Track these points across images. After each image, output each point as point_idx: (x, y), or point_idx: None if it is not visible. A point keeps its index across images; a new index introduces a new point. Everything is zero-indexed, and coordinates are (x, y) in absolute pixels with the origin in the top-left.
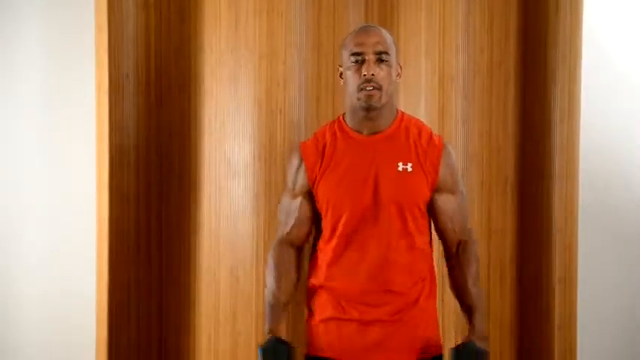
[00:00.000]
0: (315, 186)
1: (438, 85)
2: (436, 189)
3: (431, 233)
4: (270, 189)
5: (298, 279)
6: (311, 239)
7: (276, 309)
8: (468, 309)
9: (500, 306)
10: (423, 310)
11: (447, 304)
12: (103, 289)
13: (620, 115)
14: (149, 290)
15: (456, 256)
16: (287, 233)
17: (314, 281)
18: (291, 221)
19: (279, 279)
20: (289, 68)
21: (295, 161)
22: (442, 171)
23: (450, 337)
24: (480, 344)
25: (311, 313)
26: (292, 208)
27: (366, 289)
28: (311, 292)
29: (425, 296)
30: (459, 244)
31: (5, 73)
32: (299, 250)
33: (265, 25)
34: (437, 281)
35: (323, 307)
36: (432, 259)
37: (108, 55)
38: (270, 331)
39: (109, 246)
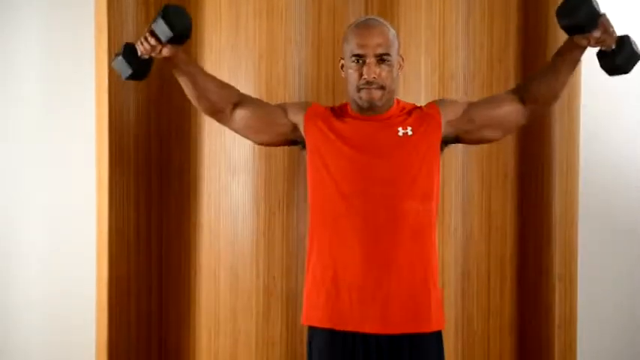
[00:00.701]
0: (307, 131)
1: (438, 82)
2: (455, 123)
3: (438, 200)
4: (270, 186)
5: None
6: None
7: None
8: (554, 57)
9: (500, 304)
10: (425, 282)
11: (446, 299)
12: (103, 289)
13: (621, 112)
14: (149, 289)
15: (525, 91)
16: (247, 96)
17: (312, 248)
18: (259, 100)
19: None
20: (289, 66)
21: (303, 103)
22: (444, 111)
23: (450, 331)
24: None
25: (311, 280)
26: (271, 104)
27: (367, 257)
28: (309, 259)
29: (429, 268)
30: (515, 92)
31: (5, 73)
32: (230, 110)
33: (265, 23)
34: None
35: (322, 275)
36: (435, 230)
37: (108, 54)
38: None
39: (108, 245)
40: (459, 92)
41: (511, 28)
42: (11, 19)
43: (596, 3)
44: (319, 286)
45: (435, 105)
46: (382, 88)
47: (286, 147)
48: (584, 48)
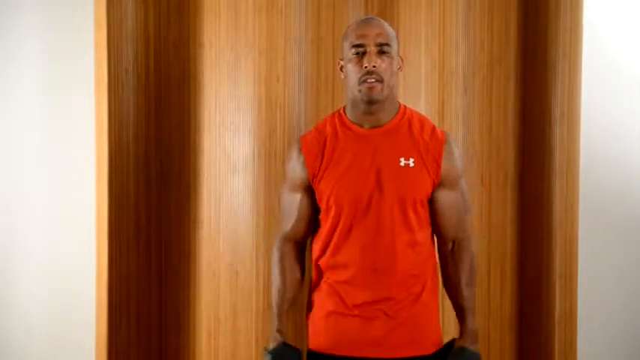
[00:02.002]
0: (315, 181)
1: (438, 81)
2: (438, 183)
3: (432, 228)
4: (270, 185)
5: (303, 274)
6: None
7: (283, 307)
8: (460, 309)
9: (501, 302)
10: (425, 305)
11: (447, 300)
12: (103, 288)
13: (621, 111)
14: (149, 288)
15: (450, 253)
16: (289, 230)
17: (315, 274)
18: (292, 218)
19: (283, 275)
20: (289, 64)
21: (295, 155)
22: (444, 166)
23: (450, 334)
24: (472, 347)
25: (311, 307)
26: (293, 204)
27: (367, 283)
28: (312, 286)
29: (427, 291)
30: (454, 241)
31: (5, 73)
32: (301, 246)
33: (265, 20)
34: (438, 277)
35: (323, 301)
36: (434, 254)
37: (107, 51)
38: (278, 331)
39: (108, 244)
40: (459, 91)
41: (511, 24)
42: (11, 18)
43: None
44: (320, 311)
45: (442, 147)
46: (381, 80)
47: (285, 144)
48: None
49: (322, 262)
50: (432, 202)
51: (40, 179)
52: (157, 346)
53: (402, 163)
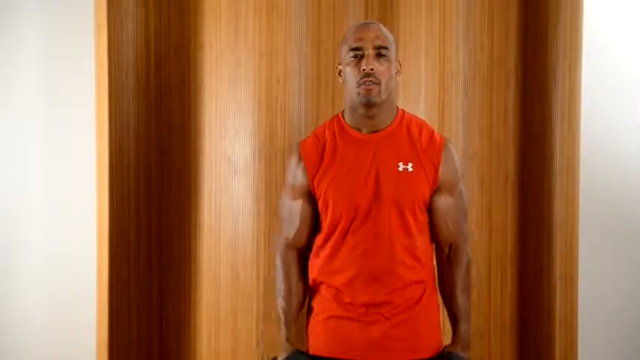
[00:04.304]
0: (315, 186)
1: (438, 82)
2: (435, 188)
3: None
4: (270, 187)
5: (307, 281)
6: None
7: (290, 315)
8: (453, 316)
9: (501, 303)
10: (425, 309)
11: None
12: (104, 288)
13: (621, 112)
14: (149, 288)
15: (447, 259)
16: (291, 238)
17: (314, 280)
18: (294, 225)
19: (288, 283)
20: (289, 66)
21: (295, 160)
22: (442, 170)
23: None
24: (462, 354)
25: (311, 311)
26: (294, 210)
27: (366, 288)
28: (312, 290)
29: (427, 295)
30: (450, 246)
31: (4, 72)
32: (305, 252)
33: (265, 22)
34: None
35: (323, 305)
36: (432, 258)
37: (108, 53)
38: (288, 340)
39: (109, 244)
40: (460, 92)
41: (511, 26)
42: (11, 18)
43: None
44: (319, 316)
45: (441, 153)
46: (379, 83)
47: (285, 147)
48: None
49: (321, 267)
50: (429, 206)
51: (40, 179)
52: (157, 346)
53: (400, 168)
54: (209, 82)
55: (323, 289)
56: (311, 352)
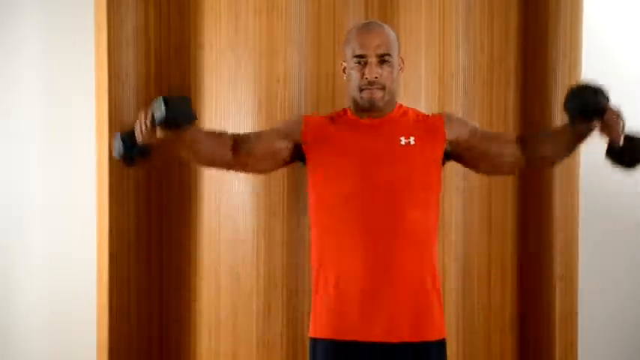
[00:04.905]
0: (307, 149)
1: (438, 82)
2: (456, 144)
3: (438, 211)
4: (270, 186)
5: (221, 152)
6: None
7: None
8: (562, 131)
9: (501, 303)
10: (428, 292)
11: (447, 294)
12: (104, 289)
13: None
14: (149, 289)
15: (523, 143)
16: (242, 135)
17: (315, 261)
18: (255, 134)
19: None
20: (289, 66)
21: (295, 118)
22: (448, 127)
23: (451, 330)
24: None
25: (315, 292)
26: (265, 131)
27: (369, 269)
28: (314, 274)
29: (430, 278)
30: (519, 141)
31: (4, 72)
32: (235, 150)
33: (265, 22)
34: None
35: (324, 287)
36: (435, 238)
37: (108, 53)
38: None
39: (109, 245)
40: (460, 92)
41: (511, 26)
42: (11, 18)
43: (606, 97)
44: (322, 297)
45: (442, 118)
46: (383, 88)
47: None
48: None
49: (322, 245)
50: (471, 154)
51: (40, 179)
52: (157, 346)
53: (402, 142)
54: (209, 82)
55: (325, 270)
56: (313, 335)
